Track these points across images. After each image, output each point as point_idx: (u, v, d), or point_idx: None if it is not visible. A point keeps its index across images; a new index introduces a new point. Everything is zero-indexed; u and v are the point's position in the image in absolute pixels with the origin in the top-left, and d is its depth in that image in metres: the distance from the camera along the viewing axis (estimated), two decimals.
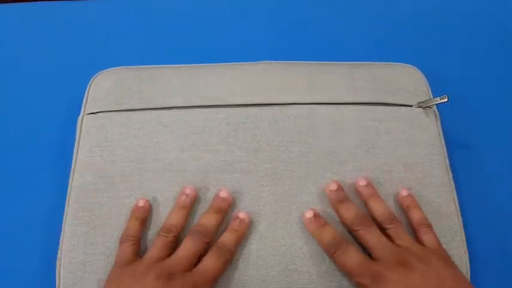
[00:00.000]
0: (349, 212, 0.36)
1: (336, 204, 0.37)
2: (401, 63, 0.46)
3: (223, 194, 0.38)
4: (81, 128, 0.42)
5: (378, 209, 0.37)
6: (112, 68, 0.46)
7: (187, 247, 0.35)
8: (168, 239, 0.35)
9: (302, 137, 0.41)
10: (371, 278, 0.32)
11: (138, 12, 0.54)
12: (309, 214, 0.37)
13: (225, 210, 0.37)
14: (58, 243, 0.38)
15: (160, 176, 0.39)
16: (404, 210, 0.38)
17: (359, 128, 0.41)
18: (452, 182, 0.40)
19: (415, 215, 0.37)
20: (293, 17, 0.54)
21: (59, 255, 0.37)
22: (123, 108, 0.43)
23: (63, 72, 0.50)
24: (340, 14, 0.54)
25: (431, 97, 0.44)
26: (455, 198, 0.40)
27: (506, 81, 0.50)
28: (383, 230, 0.36)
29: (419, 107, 0.43)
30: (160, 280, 0.32)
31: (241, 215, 0.37)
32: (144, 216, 0.37)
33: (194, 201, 0.38)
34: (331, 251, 0.35)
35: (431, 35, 0.53)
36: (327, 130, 0.41)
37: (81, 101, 0.44)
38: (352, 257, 0.34)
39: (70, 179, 0.40)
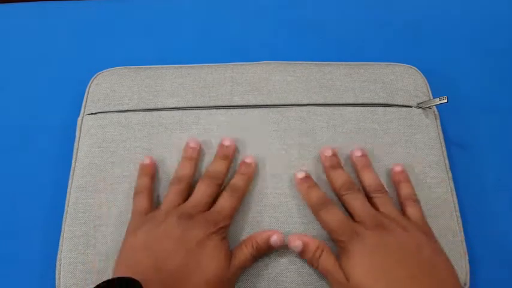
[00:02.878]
0: (340, 178, 0.37)
1: (328, 169, 0.38)
2: (401, 64, 0.46)
3: (226, 142, 0.39)
4: (80, 128, 0.42)
5: (368, 179, 0.38)
6: (112, 68, 0.46)
7: (202, 190, 0.36)
8: (180, 186, 0.37)
9: (301, 139, 0.41)
10: (348, 235, 0.33)
11: (138, 13, 0.54)
12: (300, 175, 0.38)
13: (230, 156, 0.39)
14: (58, 243, 0.38)
15: (160, 178, 0.39)
16: (394, 184, 0.39)
17: (358, 130, 0.41)
18: (451, 183, 0.40)
19: (404, 189, 0.38)
20: (293, 17, 0.54)
21: (58, 256, 0.37)
22: (123, 108, 0.43)
23: (63, 72, 0.50)
24: (339, 14, 0.54)
25: (431, 98, 0.44)
26: (455, 198, 0.40)
27: (506, 81, 0.50)
28: (370, 199, 0.37)
29: (419, 107, 0.43)
30: (182, 220, 0.33)
31: (248, 159, 0.39)
32: (152, 172, 0.39)
33: (200, 153, 0.40)
34: (316, 209, 0.36)
35: (431, 35, 0.53)
36: (327, 132, 0.41)
37: (81, 101, 0.44)
38: (335, 216, 0.35)
39: (70, 180, 0.40)
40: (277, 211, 0.38)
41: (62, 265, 0.37)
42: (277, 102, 0.43)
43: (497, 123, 0.47)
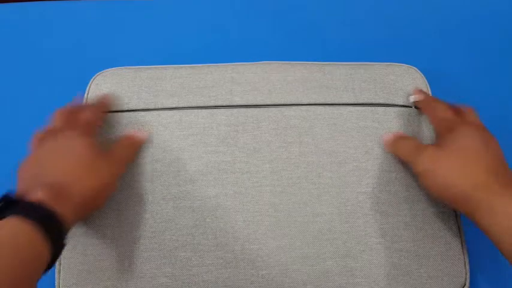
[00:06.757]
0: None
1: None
2: (401, 64, 0.46)
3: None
4: None
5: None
6: (112, 68, 0.46)
7: None
8: None
9: (302, 137, 0.41)
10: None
11: (138, 13, 0.55)
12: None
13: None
14: None
15: (159, 177, 0.39)
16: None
17: (359, 129, 0.41)
18: None
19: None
20: (293, 17, 0.54)
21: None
22: (123, 108, 0.43)
23: (63, 72, 0.50)
24: (340, 14, 0.54)
25: None
26: None
27: (506, 81, 0.50)
28: None
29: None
30: None
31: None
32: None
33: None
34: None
35: (431, 35, 0.53)
36: (327, 131, 0.41)
37: (81, 102, 0.44)
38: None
39: None
40: (277, 210, 0.38)
41: (62, 265, 0.37)
42: (277, 102, 0.43)
43: (497, 123, 0.47)
